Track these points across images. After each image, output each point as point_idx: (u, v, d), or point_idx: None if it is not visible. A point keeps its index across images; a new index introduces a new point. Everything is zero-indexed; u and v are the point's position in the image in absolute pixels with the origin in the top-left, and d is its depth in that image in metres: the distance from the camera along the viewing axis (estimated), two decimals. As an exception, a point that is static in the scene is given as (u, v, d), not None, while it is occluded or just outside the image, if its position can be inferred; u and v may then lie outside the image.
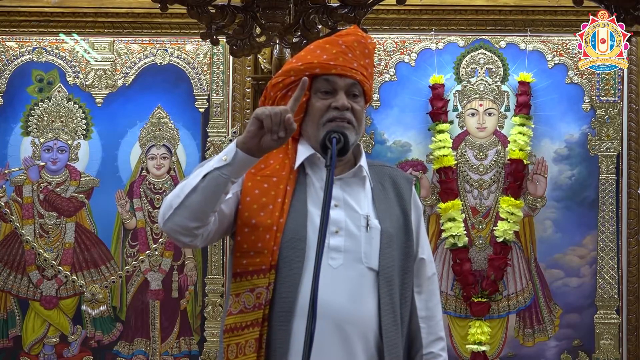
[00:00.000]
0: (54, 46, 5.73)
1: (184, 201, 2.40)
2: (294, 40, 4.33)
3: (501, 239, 5.54)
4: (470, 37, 5.69)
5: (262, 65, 5.45)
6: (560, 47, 5.67)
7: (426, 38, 5.68)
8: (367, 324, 2.47)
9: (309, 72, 2.53)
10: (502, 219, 5.55)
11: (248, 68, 5.59)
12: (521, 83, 5.59)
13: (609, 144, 5.64)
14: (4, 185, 5.69)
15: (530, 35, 5.65)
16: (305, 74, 2.52)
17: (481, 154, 5.66)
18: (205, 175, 2.39)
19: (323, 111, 2.53)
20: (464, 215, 5.59)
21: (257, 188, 2.52)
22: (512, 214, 5.53)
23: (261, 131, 2.35)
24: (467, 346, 5.56)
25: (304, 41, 4.27)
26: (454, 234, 5.52)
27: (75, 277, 5.65)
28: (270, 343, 2.45)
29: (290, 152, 2.57)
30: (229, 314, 2.49)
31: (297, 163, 2.56)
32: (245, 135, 2.37)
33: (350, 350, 2.45)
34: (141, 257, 5.64)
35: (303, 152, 2.57)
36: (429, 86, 5.62)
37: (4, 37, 5.70)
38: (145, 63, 5.73)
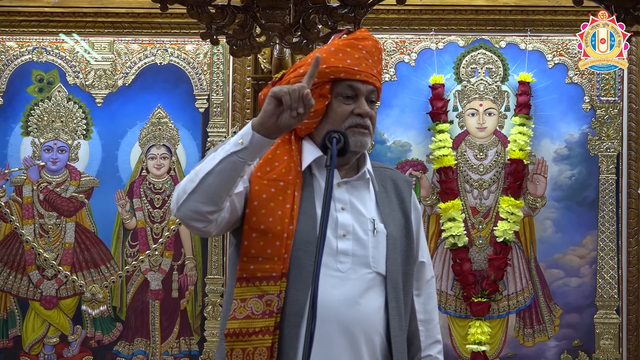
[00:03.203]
0: (54, 46, 5.73)
1: (199, 185, 2.37)
2: (294, 40, 4.33)
3: (501, 239, 5.54)
4: (470, 37, 5.69)
5: (262, 65, 5.45)
6: (560, 47, 5.67)
7: (426, 38, 5.68)
8: (373, 328, 2.48)
9: (333, 76, 2.52)
10: (502, 219, 5.55)
11: (248, 68, 5.59)
12: (521, 83, 5.59)
13: (609, 144, 5.64)
14: (4, 185, 5.69)
15: (530, 35, 5.65)
16: (330, 77, 2.51)
17: (481, 154, 5.66)
18: (221, 159, 2.36)
19: (345, 117, 2.52)
20: (464, 215, 5.59)
21: (264, 192, 2.49)
22: (512, 214, 5.53)
23: (279, 109, 2.32)
24: (467, 346, 5.56)
25: (304, 41, 4.27)
26: (454, 234, 5.52)
27: (75, 277, 5.65)
28: (279, 346, 2.44)
29: (295, 153, 2.55)
30: (232, 318, 2.46)
31: (305, 164, 2.54)
32: (262, 115, 2.34)
33: (357, 353, 2.45)
34: (141, 257, 5.64)
35: (310, 152, 2.55)
36: (429, 86, 5.62)
37: (4, 37, 5.70)
38: (145, 63, 5.73)
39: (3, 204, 5.64)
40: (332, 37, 2.69)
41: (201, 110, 5.70)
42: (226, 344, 2.47)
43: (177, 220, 5.62)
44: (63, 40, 5.72)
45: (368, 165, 2.60)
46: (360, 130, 2.52)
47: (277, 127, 2.34)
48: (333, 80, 2.52)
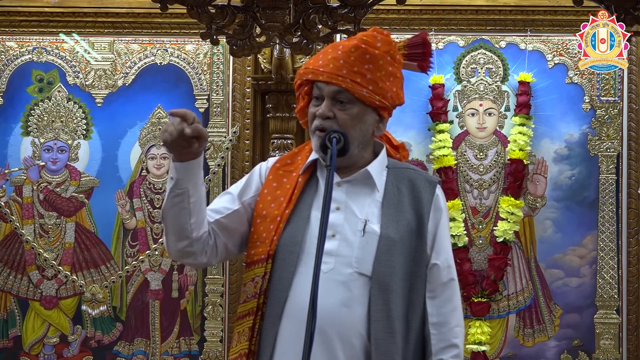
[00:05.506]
0: (54, 46, 5.73)
1: (165, 227, 2.56)
2: (294, 40, 4.33)
3: (501, 239, 5.54)
4: (470, 37, 5.69)
5: (262, 65, 5.45)
6: (560, 47, 5.67)
7: (426, 38, 5.67)
8: (352, 329, 2.45)
9: (305, 77, 2.58)
10: (502, 219, 5.55)
11: (248, 68, 5.59)
12: (521, 83, 5.59)
13: (609, 144, 5.64)
14: (4, 185, 5.69)
15: (530, 35, 5.65)
16: (302, 78, 2.58)
17: (481, 154, 5.66)
18: (166, 199, 2.51)
19: (312, 119, 2.56)
20: (464, 215, 5.59)
21: (275, 181, 2.59)
22: (512, 214, 5.53)
23: (175, 142, 2.41)
24: (467, 346, 5.55)
25: (304, 41, 4.27)
26: (453, 234, 5.52)
27: (75, 277, 5.65)
28: (260, 342, 2.51)
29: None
30: (239, 304, 2.58)
31: (302, 169, 2.59)
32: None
33: (331, 353, 2.44)
34: (141, 257, 5.64)
35: (313, 153, 2.61)
36: (429, 86, 5.62)
37: (4, 37, 5.70)
38: (145, 63, 5.73)
39: (3, 204, 5.64)
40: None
41: (201, 110, 5.69)
42: (233, 330, 2.59)
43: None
44: (63, 40, 5.72)
45: (371, 166, 2.58)
46: (318, 134, 2.53)
47: (179, 149, 2.42)
48: (309, 81, 2.58)
